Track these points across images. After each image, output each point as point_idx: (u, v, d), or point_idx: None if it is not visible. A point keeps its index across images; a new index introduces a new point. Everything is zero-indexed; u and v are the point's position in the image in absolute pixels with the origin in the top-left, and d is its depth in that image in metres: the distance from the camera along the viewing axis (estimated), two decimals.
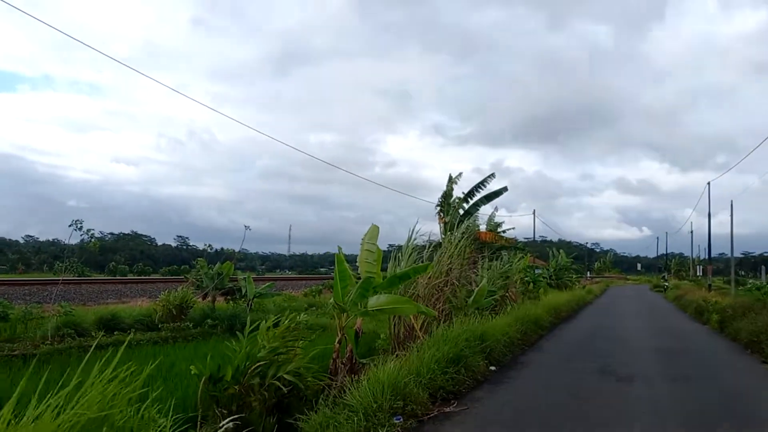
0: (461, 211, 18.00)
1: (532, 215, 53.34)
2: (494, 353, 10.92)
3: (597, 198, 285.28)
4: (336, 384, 7.82)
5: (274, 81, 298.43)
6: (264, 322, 7.17)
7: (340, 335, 8.18)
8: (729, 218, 38.99)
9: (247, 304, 16.84)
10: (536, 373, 10.66)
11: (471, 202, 18.23)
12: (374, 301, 8.01)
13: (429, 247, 13.36)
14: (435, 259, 13.00)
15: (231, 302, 17.63)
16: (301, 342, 7.42)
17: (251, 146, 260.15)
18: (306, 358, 7.30)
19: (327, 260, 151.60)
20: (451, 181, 18.21)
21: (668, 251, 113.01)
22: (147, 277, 48.72)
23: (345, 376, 8.06)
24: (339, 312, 8.10)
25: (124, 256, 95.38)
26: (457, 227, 15.08)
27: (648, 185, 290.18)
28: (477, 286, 14.28)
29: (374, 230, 8.91)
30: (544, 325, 17.06)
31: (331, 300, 8.26)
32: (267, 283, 20.09)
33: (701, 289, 36.89)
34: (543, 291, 27.95)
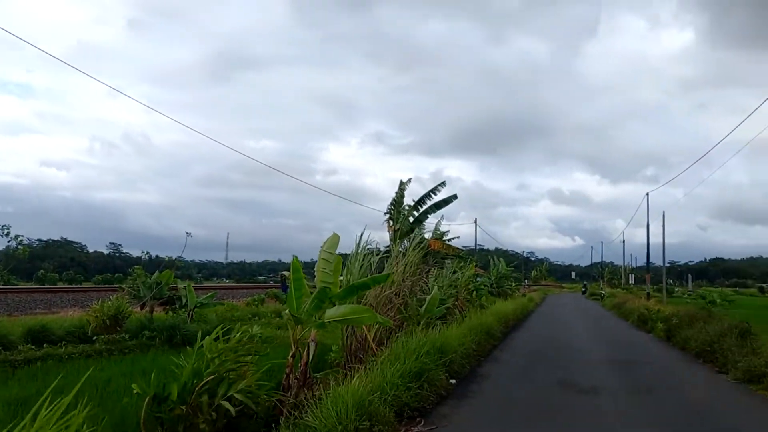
0: (411, 219, 17.74)
1: (474, 224, 53.79)
2: (453, 365, 10.65)
3: (532, 208, 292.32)
4: (289, 401, 7.37)
5: (214, 86, 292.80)
6: (212, 334, 6.62)
7: (294, 348, 7.71)
8: (658, 229, 40.23)
9: (188, 315, 16.07)
10: (498, 386, 10.49)
11: (421, 210, 18.01)
12: (332, 311, 7.59)
13: (378, 256, 13.01)
14: (385, 268, 12.69)
15: (170, 312, 16.80)
16: (254, 357, 6.91)
17: (188, 151, 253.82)
18: (257, 374, 6.80)
19: (265, 268, 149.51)
20: (401, 187, 17.93)
21: (601, 260, 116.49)
22: (79, 286, 46.47)
23: (299, 392, 7.63)
24: (294, 323, 7.64)
25: (53, 264, 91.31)
26: (408, 235, 14.81)
27: (580, 196, 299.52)
28: (427, 295, 14.01)
29: (334, 239, 8.51)
30: (496, 334, 16.94)
31: (286, 311, 7.79)
32: (209, 293, 19.31)
33: (639, 297, 37.86)
34: (485, 299, 28.02)
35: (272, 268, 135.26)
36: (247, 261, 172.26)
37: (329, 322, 7.59)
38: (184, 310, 16.49)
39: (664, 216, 42.65)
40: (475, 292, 27.25)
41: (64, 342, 12.25)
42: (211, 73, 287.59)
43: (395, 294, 12.72)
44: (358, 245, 11.99)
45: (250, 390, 6.40)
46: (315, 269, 8.40)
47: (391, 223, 17.77)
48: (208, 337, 6.61)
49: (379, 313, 11.45)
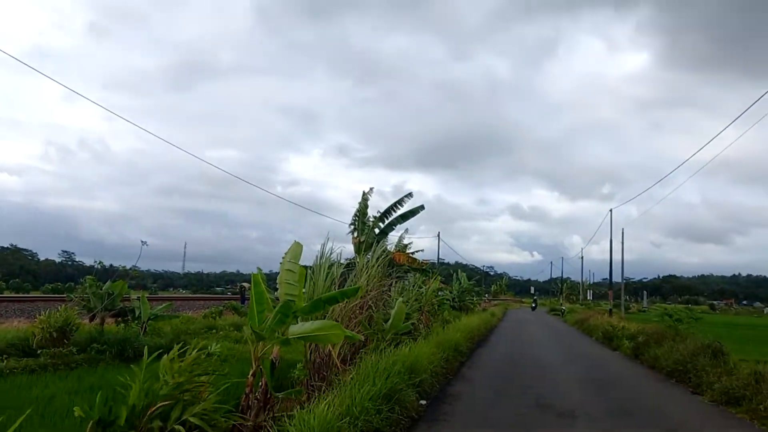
0: (377, 231, 17.31)
1: (436, 238, 53.67)
2: (423, 385, 10.18)
3: (492, 223, 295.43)
4: (248, 423, 6.86)
5: (174, 94, 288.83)
6: (171, 353, 6.08)
7: (254, 366, 7.19)
8: (615, 245, 40.67)
9: (141, 327, 15.30)
10: (471, 407, 9.99)
11: (387, 221, 17.59)
12: (298, 328, 7.12)
13: (343, 266, 12.57)
14: (348, 280, 12.27)
15: (122, 325, 15.99)
16: (212, 377, 6.37)
17: (147, 159, 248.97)
18: (214, 395, 6.27)
19: (223, 279, 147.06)
20: (364, 197, 17.47)
21: (557, 276, 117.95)
22: (25, 295, 44.76)
23: (259, 414, 7.12)
24: (255, 340, 7.13)
25: (1, 272, 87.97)
26: (374, 247, 14.39)
27: (539, 212, 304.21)
28: (391, 309, 13.61)
29: (297, 248, 8.00)
30: (464, 351, 16.60)
31: (246, 325, 7.25)
32: (164, 304, 18.52)
33: (600, 313, 38.03)
34: (447, 314, 27.74)
35: (231, 280, 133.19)
36: (205, 272, 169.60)
37: (295, 338, 7.13)
38: (137, 322, 15.70)
39: (623, 233, 43.28)
40: (437, 307, 27.00)
41: (5, 356, 11.45)
42: (171, 80, 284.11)
43: (360, 307, 12.29)
44: (322, 255, 11.53)
45: (206, 413, 5.88)
46: (277, 281, 7.89)
47: (356, 234, 17.31)
48: (165, 356, 6.07)
49: (345, 328, 11.04)
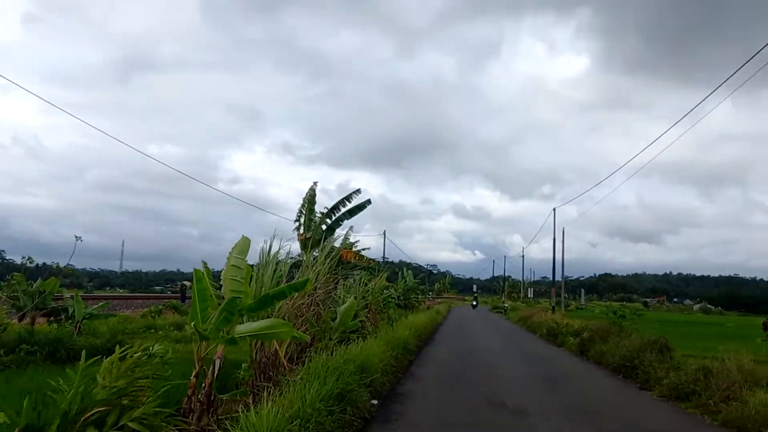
0: (324, 227, 17.01)
1: (382, 236, 53.60)
2: (374, 384, 9.92)
3: (436, 222, 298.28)
4: (191, 428, 6.51)
5: (114, 87, 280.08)
6: (114, 355, 5.67)
7: (197, 367, 6.83)
8: (556, 244, 41.45)
9: (75, 327, 14.56)
10: (423, 406, 9.79)
11: (335, 217, 17.30)
12: (245, 326, 6.80)
13: (290, 262, 12.24)
14: (296, 278, 11.94)
15: (55, 324, 15.19)
16: (151, 380, 5.99)
17: (84, 155, 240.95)
18: (155, 399, 5.89)
19: (163, 278, 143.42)
20: (311, 192, 17.15)
21: (498, 274, 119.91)
22: None
23: (202, 417, 6.77)
24: (198, 339, 6.76)
25: None
26: (321, 244, 14.11)
27: (482, 211, 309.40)
28: (338, 307, 13.35)
29: (244, 243, 7.65)
30: (412, 349, 16.48)
31: (190, 324, 6.87)
32: (100, 303, 17.73)
33: (543, 311, 38.60)
34: (392, 311, 27.66)
35: (171, 279, 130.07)
36: (144, 270, 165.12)
37: (241, 337, 6.81)
38: (70, 321, 14.94)
39: (564, 232, 44.20)
40: (383, 305, 26.86)
41: None
42: (112, 73, 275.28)
43: (307, 305, 12.00)
44: (269, 251, 11.17)
45: (146, 417, 5.51)
46: (222, 277, 7.53)
47: (301, 230, 16.97)
48: (106, 359, 5.67)
49: (294, 324, 10.72)
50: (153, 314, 23.51)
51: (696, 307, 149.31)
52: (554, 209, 40.59)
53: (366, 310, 16.76)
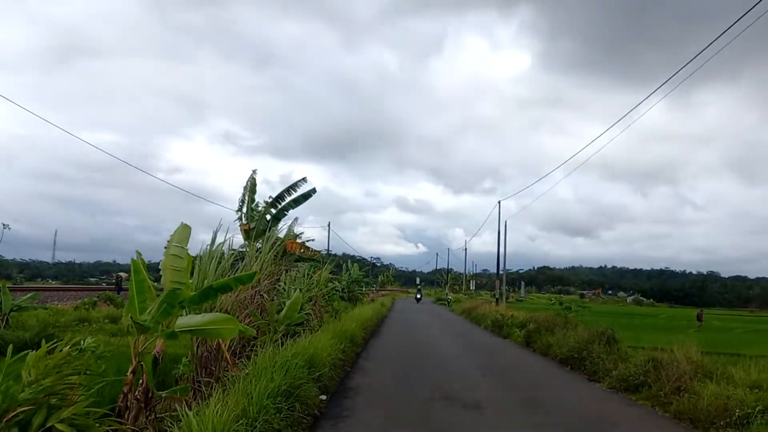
0: (268, 217, 16.51)
1: (326, 228, 53.15)
2: (323, 378, 9.59)
3: (379, 215, 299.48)
4: (126, 427, 6.08)
5: (47, 72, 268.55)
6: (40, 350, 5.20)
7: (134, 363, 6.40)
8: (500, 237, 41.95)
9: (2, 320, 13.73)
10: (374, 401, 9.49)
11: (280, 206, 16.80)
12: (187, 320, 6.40)
13: (233, 254, 11.81)
14: (239, 270, 11.52)
15: None
16: (84, 377, 5.54)
17: (13, 142, 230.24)
18: (86, 397, 5.44)
19: (98, 269, 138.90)
20: (252, 182, 16.61)
21: (441, 267, 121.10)
22: None
23: (139, 415, 6.35)
24: (136, 333, 6.32)
25: None
26: (266, 234, 13.69)
27: (424, 205, 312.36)
28: (284, 299, 13.00)
29: (184, 231, 7.19)
30: (359, 341, 16.25)
31: (126, 317, 6.41)
32: (29, 294, 16.79)
33: (488, 303, 38.96)
34: (337, 304, 27.42)
35: (106, 270, 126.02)
36: (78, 261, 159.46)
37: (182, 331, 6.41)
38: None
39: (506, 226, 44.73)
40: (327, 297, 26.54)
41: None
42: (44, 57, 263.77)
43: (251, 297, 11.60)
44: (212, 242, 10.73)
45: (77, 417, 5.08)
46: (161, 267, 7.07)
47: (244, 220, 16.43)
48: (31, 353, 5.19)
49: (238, 318, 10.31)
50: (87, 306, 22.49)
51: (629, 299, 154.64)
52: (499, 202, 40.98)
53: (311, 302, 16.40)
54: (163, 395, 6.79)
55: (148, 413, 6.49)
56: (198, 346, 8.92)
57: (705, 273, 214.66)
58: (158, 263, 7.51)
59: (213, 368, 8.78)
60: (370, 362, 14.02)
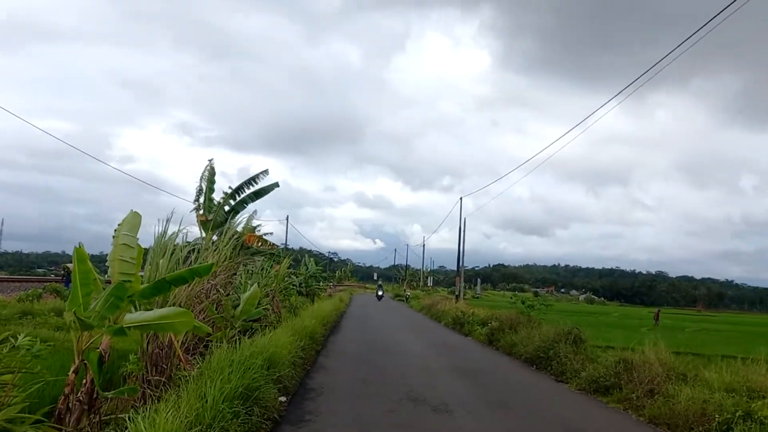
0: (226, 209, 15.89)
1: (285, 222, 52.42)
2: (282, 378, 9.07)
3: (337, 210, 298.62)
4: (68, 431, 5.56)
5: None
6: None
7: (77, 361, 5.86)
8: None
9: None
10: (337, 403, 8.98)
11: (239, 198, 16.20)
12: (137, 315, 5.90)
13: (188, 246, 11.25)
14: (195, 262, 10.96)
15: None
16: (17, 375, 5.00)
17: None
18: (21, 399, 4.91)
19: (47, 260, 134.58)
20: (211, 171, 15.95)
21: (398, 263, 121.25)
22: None
23: (81, 418, 5.82)
24: (79, 329, 5.78)
25: None
26: (225, 226, 13.12)
27: (383, 201, 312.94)
28: (240, 293, 12.47)
29: (134, 218, 6.65)
30: (319, 338, 15.77)
31: (69, 311, 5.85)
32: None
33: (448, 299, 38.80)
34: (294, 299, 26.90)
35: (55, 261, 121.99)
36: (26, 252, 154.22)
37: (133, 327, 5.90)
38: None
39: (465, 223, 44.72)
40: (284, 292, 25.96)
41: None
42: None
43: (206, 291, 11.05)
44: (165, 232, 10.12)
45: (9, 421, 4.56)
46: (108, 258, 6.52)
47: (201, 211, 15.78)
48: None
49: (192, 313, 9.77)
50: (31, 298, 21.43)
51: (581, 297, 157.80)
52: (461, 199, 40.76)
53: (269, 297, 15.87)
54: (109, 396, 6.27)
55: (91, 416, 5.97)
56: (148, 343, 8.35)
57: (654, 273, 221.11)
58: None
59: (164, 366, 8.24)
60: (332, 360, 13.57)
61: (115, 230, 6.53)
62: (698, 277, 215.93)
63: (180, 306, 9.07)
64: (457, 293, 39.95)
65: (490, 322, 19.55)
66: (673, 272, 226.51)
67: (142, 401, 7.51)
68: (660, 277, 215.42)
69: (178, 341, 8.43)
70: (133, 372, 7.72)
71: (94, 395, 6.02)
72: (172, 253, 9.17)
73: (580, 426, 8.45)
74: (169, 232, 10.41)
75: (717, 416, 7.47)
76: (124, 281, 6.12)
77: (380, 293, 64.60)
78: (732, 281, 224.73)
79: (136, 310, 6.73)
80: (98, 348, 6.16)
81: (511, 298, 23.00)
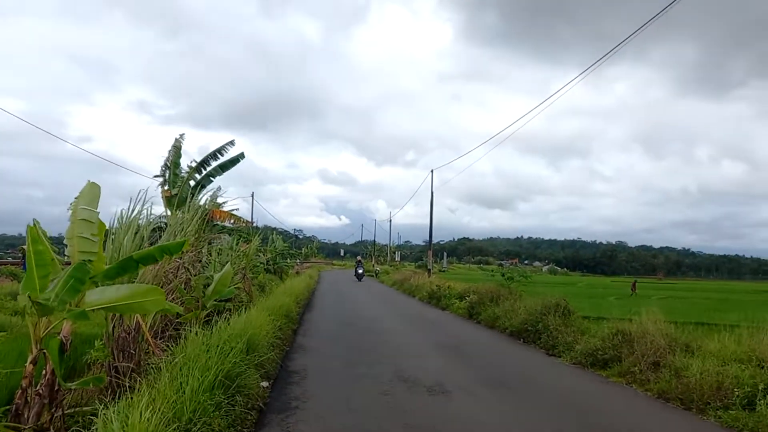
0: (192, 183, 15.17)
1: (250, 199, 51.45)
2: (262, 361, 8.45)
3: (302, 186, 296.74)
4: (26, 428, 4.99)
5: None
6: None
7: (35, 350, 5.25)
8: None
9: None
10: (324, 388, 8.30)
11: (205, 172, 15.46)
12: (98, 295, 5.31)
13: (150, 226, 10.57)
14: (160, 242, 10.30)
15: None
16: None
17: None
18: None
19: (3, 242, 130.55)
20: (176, 144, 15.17)
21: (365, 238, 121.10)
22: None
23: (42, 413, 5.24)
24: (37, 314, 5.17)
25: None
26: (188, 201, 12.42)
27: (347, 177, 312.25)
28: (209, 272, 11.85)
29: (93, 190, 5.96)
30: (294, 317, 15.19)
31: (24, 294, 5.22)
32: None
33: (419, 274, 38.44)
34: (262, 277, 26.31)
35: (11, 243, 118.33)
36: None
37: (97, 309, 5.31)
38: None
39: (432, 197, 44.45)
40: (253, 270, 25.33)
41: None
42: None
43: (174, 270, 10.41)
44: (130, 210, 9.42)
45: None
46: (66, 236, 5.87)
47: (166, 187, 15.03)
48: None
49: None
50: None
51: (544, 268, 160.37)
52: (432, 171, 40.15)
53: (240, 276, 15.23)
54: (72, 387, 5.68)
55: (53, 410, 5.39)
56: (114, 327, 7.73)
57: (614, 243, 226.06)
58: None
59: (132, 352, 7.64)
60: (310, 339, 12.99)
61: (71, 204, 5.87)
62: (656, 246, 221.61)
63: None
64: (429, 267, 39.66)
65: (468, 296, 19.26)
66: (632, 242, 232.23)
67: (110, 391, 6.94)
68: (620, 247, 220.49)
69: (146, 324, 7.84)
70: (98, 359, 7.13)
71: (56, 387, 5.45)
72: (136, 232, 8.49)
73: (588, 402, 7.98)
74: (135, 212, 9.75)
75: (737, 390, 7.05)
76: (86, 261, 5.51)
77: (360, 271, 53.14)
78: (689, 249, 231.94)
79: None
80: (59, 335, 5.57)
81: (492, 271, 22.68)
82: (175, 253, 6.05)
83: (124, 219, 9.46)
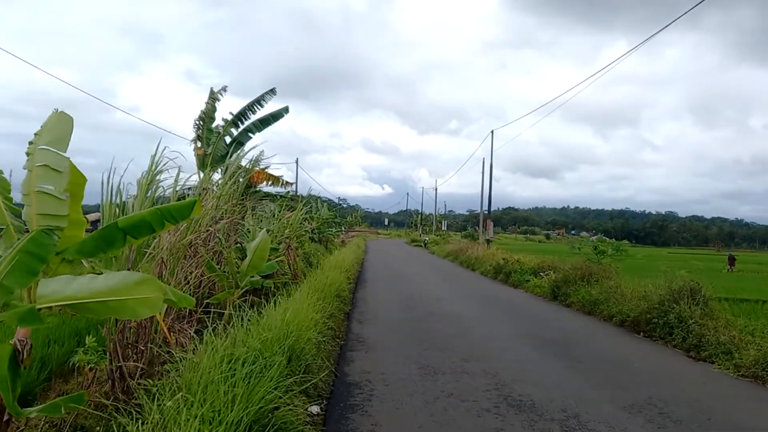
0: (228, 140, 13.28)
1: (295, 166, 49.86)
2: (309, 369, 5.99)
3: (344, 155, 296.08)
4: None
5: None
6: None
7: None
8: (486, 172, 39.36)
9: None
10: (400, 418, 5.49)
11: (242, 126, 13.50)
12: (57, 286, 3.41)
13: (180, 186, 8.77)
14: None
15: None
16: None
17: None
18: None
19: None
20: (212, 96, 13.16)
21: (410, 208, 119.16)
22: None
23: None
24: None
25: None
26: (226, 160, 10.54)
27: (390, 146, 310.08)
28: (248, 242, 9.92)
29: (60, 122, 3.98)
30: (346, 297, 12.72)
31: None
32: None
33: (475, 245, 36.04)
34: (308, 246, 24.60)
35: None
36: None
37: (51, 307, 3.41)
38: None
39: (484, 164, 41.99)
40: (299, 239, 23.61)
41: None
42: None
43: (203, 241, 8.53)
44: (153, 167, 7.57)
45: None
46: (22, 192, 3.93)
47: (200, 144, 13.16)
48: None
49: (179, 271, 7.27)
50: None
51: (592, 238, 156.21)
52: (492, 132, 37.63)
53: (284, 246, 13.18)
54: (32, 416, 3.82)
55: None
56: (117, 319, 5.81)
57: (663, 213, 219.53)
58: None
59: (143, 348, 5.75)
60: (368, 328, 10.31)
61: (30, 143, 3.92)
62: (708, 216, 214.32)
63: (163, 261, 6.57)
64: (489, 237, 37.08)
65: (545, 272, 16.81)
66: (683, 212, 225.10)
67: (112, 398, 5.10)
68: (670, 218, 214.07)
69: (161, 313, 5.94)
70: (91, 362, 5.18)
71: (4, 418, 3.59)
72: (148, 194, 6.57)
73: None
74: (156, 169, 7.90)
75: None
76: (48, 229, 3.59)
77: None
78: (742, 220, 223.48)
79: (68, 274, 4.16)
80: (11, 340, 3.69)
81: (591, 243, 19.07)
82: (180, 218, 4.04)
83: (144, 178, 7.66)
